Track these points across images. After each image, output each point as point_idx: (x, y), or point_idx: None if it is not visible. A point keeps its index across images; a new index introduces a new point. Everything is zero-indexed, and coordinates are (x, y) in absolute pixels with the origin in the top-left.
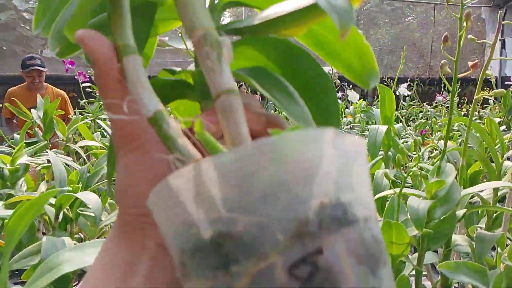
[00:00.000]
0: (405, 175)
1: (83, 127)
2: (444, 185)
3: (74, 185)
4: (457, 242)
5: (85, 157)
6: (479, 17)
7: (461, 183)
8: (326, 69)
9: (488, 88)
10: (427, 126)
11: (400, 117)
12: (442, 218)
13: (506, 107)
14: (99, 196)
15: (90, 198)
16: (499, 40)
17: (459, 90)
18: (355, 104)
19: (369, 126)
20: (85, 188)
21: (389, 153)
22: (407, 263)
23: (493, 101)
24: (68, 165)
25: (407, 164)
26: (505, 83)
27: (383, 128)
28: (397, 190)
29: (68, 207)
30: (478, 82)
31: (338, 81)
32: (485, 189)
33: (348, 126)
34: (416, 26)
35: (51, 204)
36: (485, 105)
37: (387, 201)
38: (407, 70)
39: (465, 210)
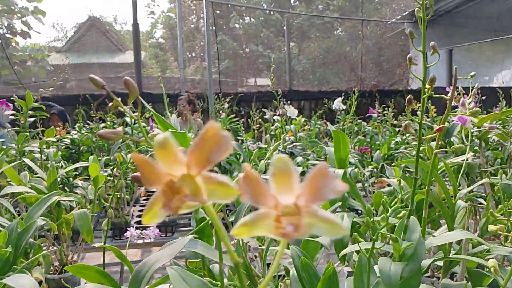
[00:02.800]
0: (374, 236)
1: (10, 171)
2: (412, 245)
3: (1, 251)
4: None
5: (13, 211)
6: (403, 31)
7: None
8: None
9: (416, 100)
10: (366, 143)
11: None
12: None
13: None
14: (31, 251)
15: (23, 283)
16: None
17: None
18: (295, 121)
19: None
20: (16, 250)
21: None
22: None
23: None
24: None
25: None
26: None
27: (340, 172)
28: (364, 245)
29: None
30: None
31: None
32: (446, 242)
33: (291, 145)
34: (346, 40)
35: None
36: (415, 116)
37: None
38: (340, 83)
39: (431, 261)
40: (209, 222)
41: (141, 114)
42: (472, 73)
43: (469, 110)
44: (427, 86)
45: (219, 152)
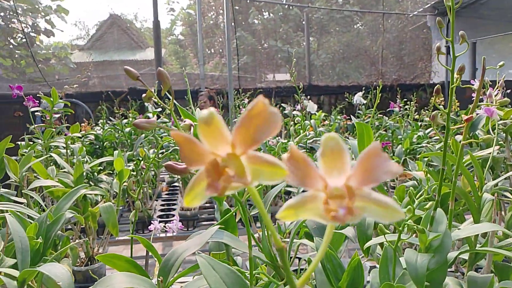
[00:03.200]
0: (400, 228)
1: (38, 165)
2: (440, 236)
3: (32, 242)
4: (448, 286)
5: (42, 203)
6: (425, 24)
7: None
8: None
9: (436, 94)
10: (387, 138)
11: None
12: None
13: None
14: (59, 243)
15: (56, 271)
16: (445, 46)
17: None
18: (314, 116)
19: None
20: (45, 242)
21: None
22: None
23: (443, 106)
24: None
25: None
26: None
27: None
28: (389, 237)
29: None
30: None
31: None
32: (473, 233)
33: (311, 140)
34: (366, 34)
35: (11, 277)
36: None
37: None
38: (359, 77)
39: (457, 253)
40: (234, 214)
41: (163, 110)
42: (501, 63)
43: (496, 101)
44: (456, 75)
45: (267, 129)
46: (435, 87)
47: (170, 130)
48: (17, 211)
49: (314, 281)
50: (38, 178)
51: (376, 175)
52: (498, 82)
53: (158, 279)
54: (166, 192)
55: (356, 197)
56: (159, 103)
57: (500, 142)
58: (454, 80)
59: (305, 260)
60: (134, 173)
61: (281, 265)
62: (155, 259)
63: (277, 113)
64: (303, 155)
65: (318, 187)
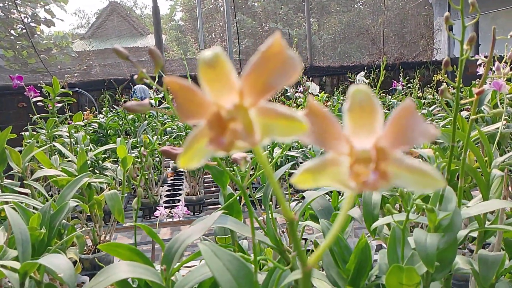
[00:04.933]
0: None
1: (40, 155)
2: (449, 215)
3: (35, 233)
4: (457, 265)
5: (46, 194)
6: (427, 1)
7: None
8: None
9: (440, 71)
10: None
11: None
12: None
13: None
14: (64, 232)
15: (57, 263)
16: (444, 21)
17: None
18: (317, 97)
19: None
20: (49, 232)
21: None
22: None
23: (446, 84)
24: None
25: None
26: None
27: None
28: (397, 217)
29: (36, 270)
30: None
31: None
32: (484, 211)
33: None
34: (366, 13)
35: (13, 269)
36: (438, 88)
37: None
38: (361, 57)
39: (467, 231)
40: (238, 198)
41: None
42: None
43: (504, 74)
44: (465, 47)
45: (283, 75)
46: (444, 59)
47: (165, 112)
48: (20, 202)
49: (321, 262)
50: (42, 168)
51: (411, 137)
52: (507, 55)
53: (161, 267)
54: (172, 178)
55: (388, 161)
56: (161, 90)
57: (505, 117)
58: (464, 52)
59: (311, 241)
60: (139, 160)
61: (287, 248)
62: None
63: (296, 57)
64: (324, 110)
65: (341, 149)
